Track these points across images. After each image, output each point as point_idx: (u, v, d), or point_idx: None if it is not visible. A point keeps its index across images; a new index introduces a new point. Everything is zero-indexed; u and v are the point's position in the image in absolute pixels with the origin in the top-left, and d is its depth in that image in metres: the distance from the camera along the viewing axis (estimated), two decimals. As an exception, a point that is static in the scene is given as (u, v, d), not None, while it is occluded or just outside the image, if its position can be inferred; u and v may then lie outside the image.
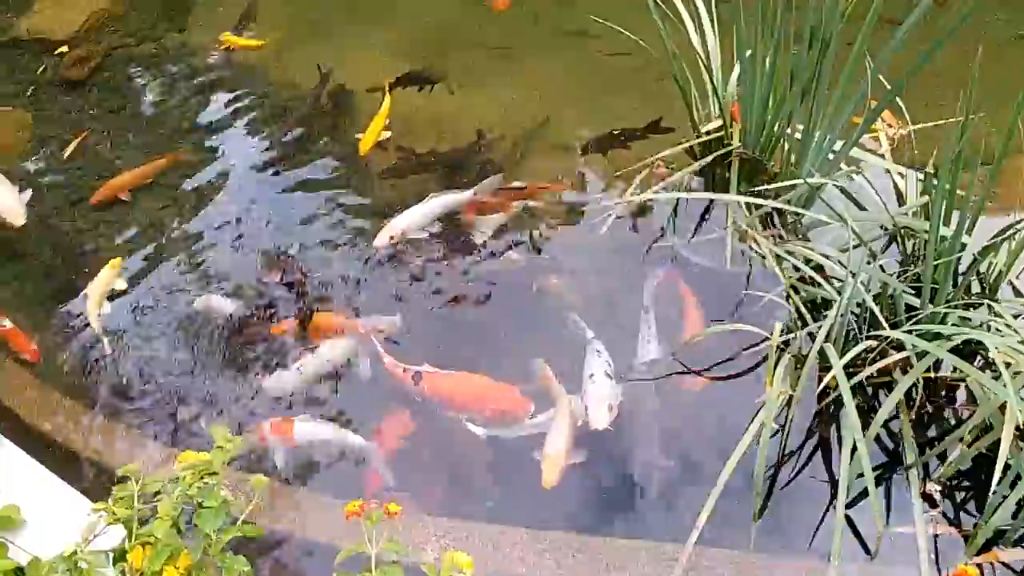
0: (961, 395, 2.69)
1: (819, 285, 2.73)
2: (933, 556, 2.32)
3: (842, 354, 2.45)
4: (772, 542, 2.46)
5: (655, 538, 2.51)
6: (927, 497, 2.45)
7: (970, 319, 2.52)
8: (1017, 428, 2.20)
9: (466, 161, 3.86)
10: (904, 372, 2.51)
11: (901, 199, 3.00)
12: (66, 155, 4.26)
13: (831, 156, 3.06)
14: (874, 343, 2.54)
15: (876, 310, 2.50)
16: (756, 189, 3.04)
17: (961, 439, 2.44)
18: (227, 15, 5.14)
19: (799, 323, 2.78)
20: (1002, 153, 2.38)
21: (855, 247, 2.63)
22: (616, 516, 2.61)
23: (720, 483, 2.40)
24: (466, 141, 3.97)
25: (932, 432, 2.63)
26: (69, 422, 2.92)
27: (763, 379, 2.78)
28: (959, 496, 2.48)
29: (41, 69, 4.84)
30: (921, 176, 2.79)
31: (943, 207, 2.46)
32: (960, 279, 2.60)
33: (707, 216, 3.45)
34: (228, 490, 1.92)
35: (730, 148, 3.33)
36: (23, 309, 3.49)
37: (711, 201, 3.46)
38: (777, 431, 2.65)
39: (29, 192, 3.88)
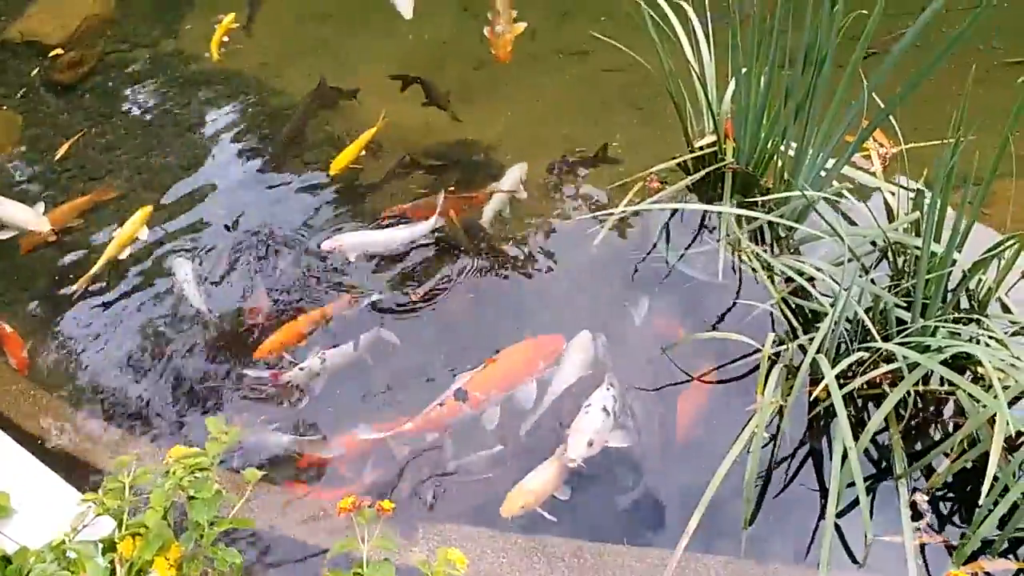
0: (949, 409, 2.72)
1: (811, 298, 2.76)
2: (921, 565, 2.33)
3: (834, 365, 2.47)
4: (762, 550, 2.46)
5: (645, 544, 2.50)
6: (915, 507, 2.47)
7: (960, 334, 2.55)
8: (1005, 440, 2.22)
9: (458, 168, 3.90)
10: (894, 385, 2.54)
11: (891, 216, 3.04)
12: (56, 158, 4.25)
13: (823, 173, 3.10)
14: (865, 355, 2.57)
15: (868, 322, 2.52)
16: (750, 201, 3.07)
17: (948, 452, 2.47)
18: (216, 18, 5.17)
19: (791, 335, 2.80)
20: (992, 172, 2.42)
21: (848, 261, 2.66)
22: (608, 523, 2.60)
23: (710, 490, 2.41)
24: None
25: (920, 444, 2.65)
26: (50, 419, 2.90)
27: (751, 390, 2.81)
28: (947, 507, 2.49)
29: (33, 72, 4.83)
30: (912, 194, 2.83)
31: (934, 223, 2.49)
32: (950, 295, 2.63)
33: (699, 231, 3.48)
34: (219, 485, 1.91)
35: (723, 163, 3.37)
36: (7, 308, 3.48)
37: (704, 217, 3.49)
38: (768, 441, 2.66)
39: (41, 204, 3.85)
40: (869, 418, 2.63)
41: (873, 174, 3.22)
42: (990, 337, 2.49)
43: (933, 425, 2.70)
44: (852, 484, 2.32)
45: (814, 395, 2.50)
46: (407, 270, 3.45)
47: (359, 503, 1.94)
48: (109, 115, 4.54)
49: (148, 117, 4.53)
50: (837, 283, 2.63)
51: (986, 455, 2.19)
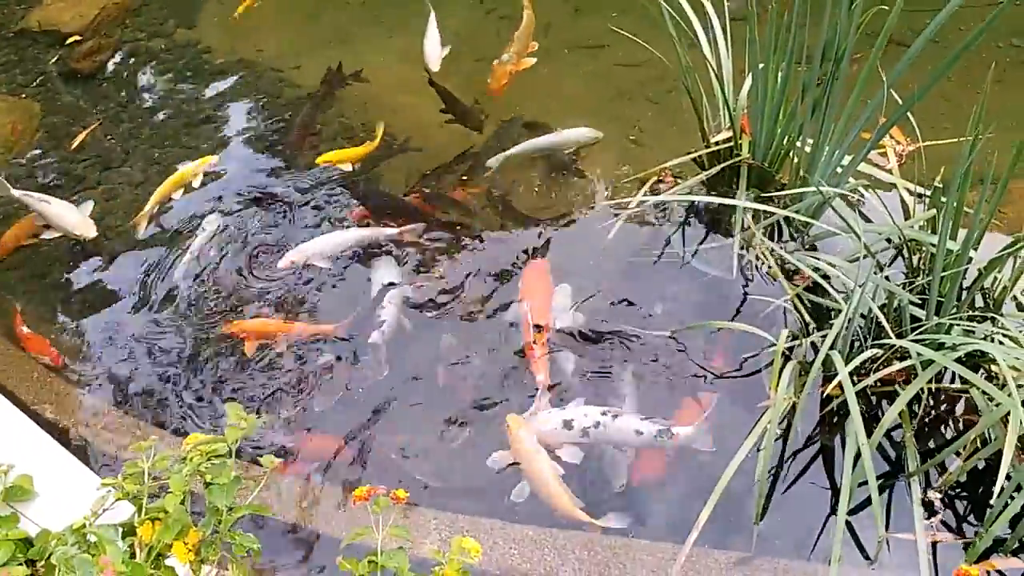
0: (962, 407, 2.71)
1: (825, 295, 2.76)
2: (932, 563, 2.33)
3: (847, 362, 2.47)
4: (773, 546, 2.47)
5: (657, 538, 2.51)
6: (927, 505, 2.47)
7: (974, 332, 2.54)
8: (1018, 439, 2.22)
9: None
10: (907, 383, 2.54)
11: (907, 214, 3.03)
12: (73, 146, 4.28)
13: (839, 170, 3.09)
14: (879, 352, 2.57)
15: (882, 319, 2.52)
16: (767, 196, 3.07)
17: (960, 451, 2.46)
18: (234, 11, 5.19)
19: (804, 331, 2.80)
20: (1010, 171, 2.42)
21: (863, 258, 2.66)
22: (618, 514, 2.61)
23: (721, 484, 2.42)
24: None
25: (934, 442, 2.65)
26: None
27: (763, 386, 2.82)
28: (959, 504, 2.49)
29: (52, 61, 4.86)
30: (929, 191, 2.82)
31: (951, 221, 2.49)
32: (965, 293, 2.63)
33: (713, 226, 3.48)
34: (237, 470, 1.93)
35: (739, 159, 3.37)
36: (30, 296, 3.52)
37: (717, 212, 3.49)
38: (780, 437, 2.67)
39: (90, 204, 3.80)
40: (882, 415, 2.63)
41: (889, 171, 3.21)
42: (1005, 335, 2.49)
43: (946, 423, 2.69)
44: (865, 483, 2.32)
45: (827, 392, 2.50)
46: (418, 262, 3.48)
47: (374, 491, 1.95)
48: (126, 104, 4.57)
49: (164, 106, 4.56)
50: (852, 280, 2.63)
51: (999, 453, 2.20)
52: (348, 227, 3.61)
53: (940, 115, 3.65)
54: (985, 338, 2.51)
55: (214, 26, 5.11)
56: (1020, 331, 2.48)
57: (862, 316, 2.65)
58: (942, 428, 2.69)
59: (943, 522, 2.44)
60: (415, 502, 2.63)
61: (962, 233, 2.55)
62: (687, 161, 3.57)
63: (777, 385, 2.59)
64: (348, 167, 3.89)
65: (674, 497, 2.64)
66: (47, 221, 3.65)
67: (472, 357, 3.09)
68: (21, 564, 1.72)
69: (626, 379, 2.95)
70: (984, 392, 2.39)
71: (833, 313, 2.83)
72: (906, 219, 3.00)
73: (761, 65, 3.16)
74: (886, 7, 2.69)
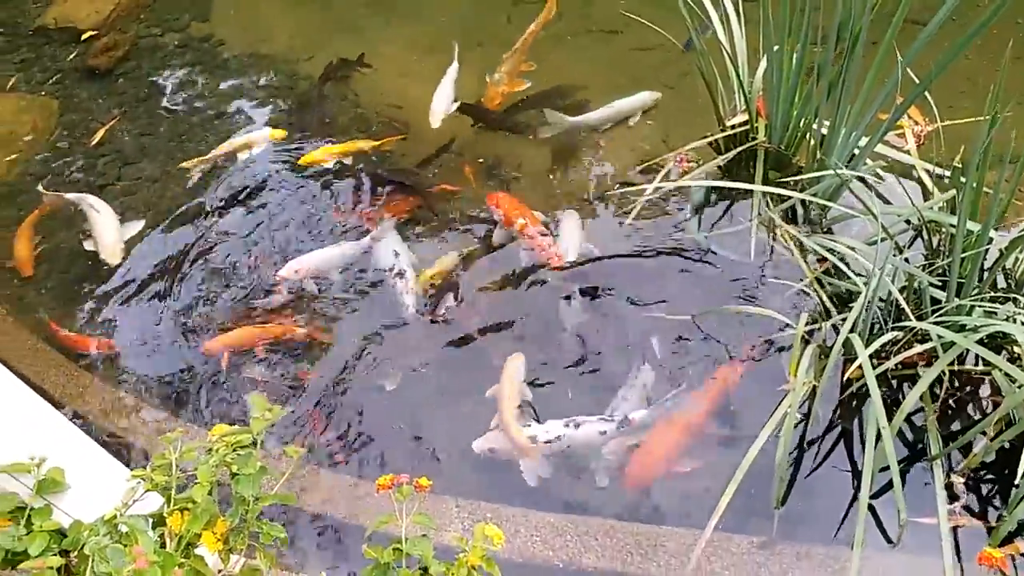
0: (985, 391, 2.70)
1: (844, 277, 2.75)
2: (955, 547, 2.32)
3: (867, 345, 2.46)
4: (794, 530, 2.48)
5: (678, 523, 2.52)
6: (950, 488, 2.46)
7: (996, 313, 2.53)
8: (1042, 420, 2.22)
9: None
10: (929, 365, 2.54)
11: (927, 195, 3.01)
12: (93, 143, 4.31)
13: (856, 151, 3.07)
14: (900, 334, 2.56)
15: (902, 301, 2.51)
16: (783, 181, 3.05)
17: (985, 432, 2.46)
18: (249, 6, 5.21)
19: (824, 314, 2.80)
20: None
21: (882, 240, 2.65)
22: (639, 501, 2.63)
23: (743, 468, 2.43)
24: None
25: (956, 425, 2.64)
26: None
27: (778, 369, 2.82)
28: (982, 488, 2.49)
29: (70, 57, 4.90)
30: (947, 172, 2.80)
31: (970, 201, 2.47)
32: (986, 274, 2.61)
33: (730, 210, 3.47)
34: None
35: (755, 142, 3.36)
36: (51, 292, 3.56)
37: (734, 196, 3.48)
38: (800, 421, 2.67)
39: (140, 223, 3.80)
40: (903, 399, 2.63)
41: (907, 152, 3.18)
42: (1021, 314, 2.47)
43: (969, 405, 2.68)
44: (887, 467, 2.32)
45: (847, 375, 2.50)
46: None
47: (397, 480, 1.98)
48: (143, 100, 4.60)
49: (180, 101, 4.59)
50: (871, 263, 2.62)
51: (1022, 436, 2.19)
52: (354, 230, 3.61)
53: (960, 94, 3.61)
54: (1007, 319, 2.49)
55: (228, 20, 5.13)
56: (1043, 311, 2.46)
57: (881, 299, 2.64)
58: (965, 410, 2.68)
59: (966, 506, 2.43)
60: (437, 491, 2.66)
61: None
62: (703, 145, 3.57)
63: (797, 369, 2.59)
64: (330, 164, 3.90)
65: (695, 482, 2.65)
66: (89, 227, 3.71)
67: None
68: (55, 554, 1.75)
69: (643, 363, 2.96)
70: (1007, 374, 2.38)
71: (853, 296, 2.82)
72: (925, 200, 2.98)
73: (776, 47, 3.14)
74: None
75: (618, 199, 3.59)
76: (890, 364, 2.49)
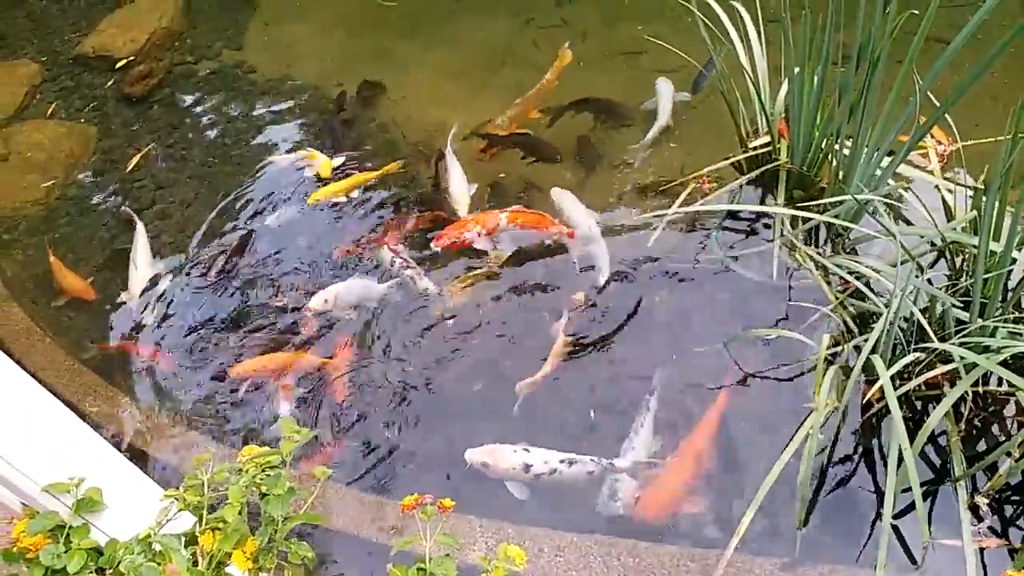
0: (1010, 410, 2.69)
1: (866, 299, 2.76)
2: (981, 568, 2.31)
3: (889, 366, 2.47)
4: (817, 551, 2.48)
5: (700, 544, 2.54)
6: (974, 510, 2.45)
7: (1021, 334, 2.52)
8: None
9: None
10: (952, 385, 2.53)
11: (950, 215, 3.01)
12: (128, 168, 4.44)
13: (879, 172, 3.08)
14: (922, 355, 2.56)
15: (924, 322, 2.51)
16: (805, 205, 3.07)
17: (1009, 453, 2.44)
18: (281, 33, 5.34)
19: (846, 335, 2.81)
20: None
21: (903, 262, 2.66)
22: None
23: (764, 489, 2.44)
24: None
25: (980, 445, 2.63)
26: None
27: (802, 391, 2.83)
28: (1007, 509, 2.47)
29: (108, 84, 5.05)
30: (970, 192, 2.80)
31: (992, 221, 2.47)
32: (1010, 294, 2.61)
33: (752, 231, 3.49)
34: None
35: (777, 163, 3.38)
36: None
37: (756, 216, 3.50)
38: (824, 447, 2.68)
39: (167, 265, 3.84)
40: (926, 419, 2.62)
41: (931, 172, 3.18)
42: (1051, 337, 2.46)
43: (994, 426, 2.67)
44: (910, 488, 2.32)
45: (867, 397, 2.50)
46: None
47: (421, 500, 2.02)
48: (176, 126, 4.73)
49: (213, 127, 4.71)
50: (898, 283, 2.62)
51: (1048, 457, 2.18)
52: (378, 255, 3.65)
53: (984, 113, 3.60)
54: (1029, 339, 2.48)
55: (259, 47, 5.26)
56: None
57: (905, 319, 2.65)
58: (989, 431, 2.66)
59: (990, 527, 2.42)
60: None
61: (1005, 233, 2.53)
62: (726, 166, 3.60)
63: (820, 390, 2.60)
64: (343, 199, 3.94)
65: (718, 502, 2.66)
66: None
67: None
68: (92, 572, 1.81)
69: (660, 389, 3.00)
70: (1031, 394, 2.37)
71: (875, 317, 2.83)
72: (948, 220, 2.98)
73: (797, 68, 3.17)
74: (917, 12, 2.68)
75: (641, 219, 3.62)
76: (912, 385, 2.49)
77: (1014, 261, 2.52)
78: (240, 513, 1.90)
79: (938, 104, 2.80)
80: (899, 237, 2.61)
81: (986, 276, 2.52)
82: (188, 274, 3.75)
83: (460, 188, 3.83)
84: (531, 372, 3.05)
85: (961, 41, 2.64)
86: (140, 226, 3.91)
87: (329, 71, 4.92)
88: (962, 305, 2.63)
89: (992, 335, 2.53)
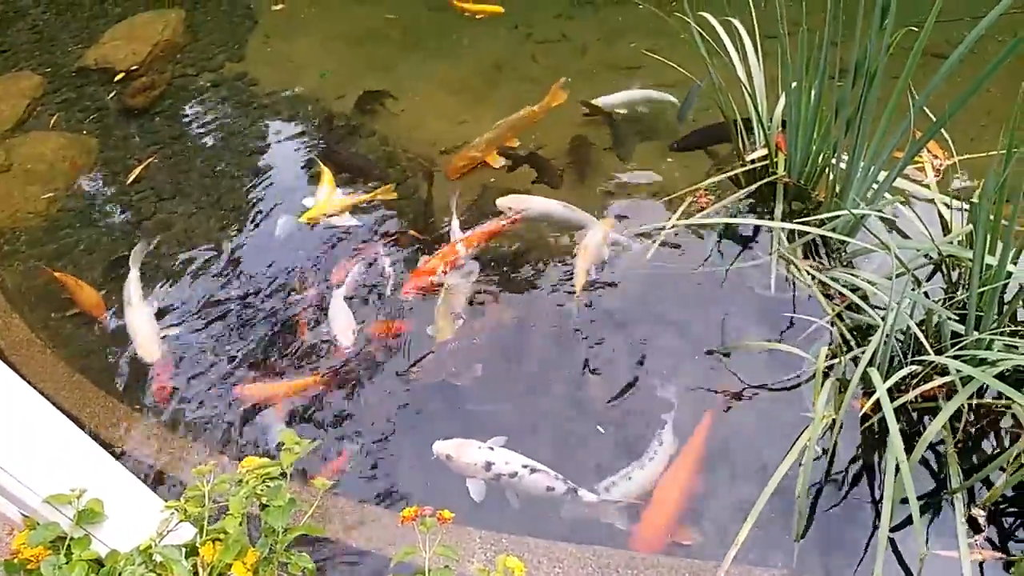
0: (1006, 422, 2.70)
1: (863, 312, 2.78)
2: (978, 581, 2.33)
3: (886, 379, 2.48)
4: (815, 563, 2.49)
5: (698, 556, 2.54)
6: (972, 522, 2.46)
7: (1016, 347, 2.54)
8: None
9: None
10: (948, 397, 2.55)
11: (946, 229, 3.03)
12: (129, 180, 4.46)
13: (875, 185, 3.11)
14: (918, 368, 2.57)
15: (921, 336, 2.53)
16: (802, 220, 3.09)
17: (1003, 468, 2.46)
18: (281, 45, 5.38)
19: (844, 348, 2.82)
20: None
21: (899, 275, 2.68)
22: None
23: (761, 501, 2.45)
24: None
25: (976, 457, 2.64)
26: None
27: (798, 403, 2.84)
28: (1005, 521, 2.48)
29: (110, 96, 5.08)
30: (966, 206, 2.83)
31: (988, 235, 2.49)
32: (1006, 307, 2.63)
33: (750, 244, 3.51)
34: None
35: (775, 176, 3.40)
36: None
37: (754, 230, 3.53)
38: (820, 456, 2.69)
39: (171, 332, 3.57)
40: (923, 431, 2.63)
41: (927, 186, 3.21)
42: (1047, 350, 2.48)
43: (989, 438, 2.68)
44: (907, 499, 2.33)
45: (864, 409, 2.51)
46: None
47: (421, 512, 2.03)
48: (178, 137, 4.76)
49: (214, 139, 4.74)
50: (894, 296, 2.64)
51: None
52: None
53: (980, 127, 3.64)
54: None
55: (261, 59, 5.30)
56: (1063, 345, 2.46)
57: (901, 332, 2.67)
58: (985, 443, 2.68)
59: (987, 539, 2.43)
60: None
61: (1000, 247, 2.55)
62: (723, 179, 3.62)
63: (817, 402, 2.61)
64: (348, 220, 3.94)
65: (716, 515, 2.67)
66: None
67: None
68: (93, 583, 1.82)
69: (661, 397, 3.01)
70: (1025, 407, 2.39)
71: (872, 330, 2.85)
72: (945, 234, 3.00)
73: (794, 83, 3.20)
74: (915, 28, 2.71)
75: (639, 233, 3.64)
76: (908, 397, 2.50)
77: (1009, 275, 2.54)
78: (241, 524, 1.91)
79: (934, 119, 2.83)
80: (895, 250, 2.63)
81: (981, 289, 2.54)
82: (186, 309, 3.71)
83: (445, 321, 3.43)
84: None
85: (958, 57, 2.67)
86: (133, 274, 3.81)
87: (331, 84, 4.96)
88: (958, 318, 2.65)
89: (988, 348, 2.55)
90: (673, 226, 3.42)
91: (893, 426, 2.35)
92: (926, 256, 2.93)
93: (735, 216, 3.52)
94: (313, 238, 3.91)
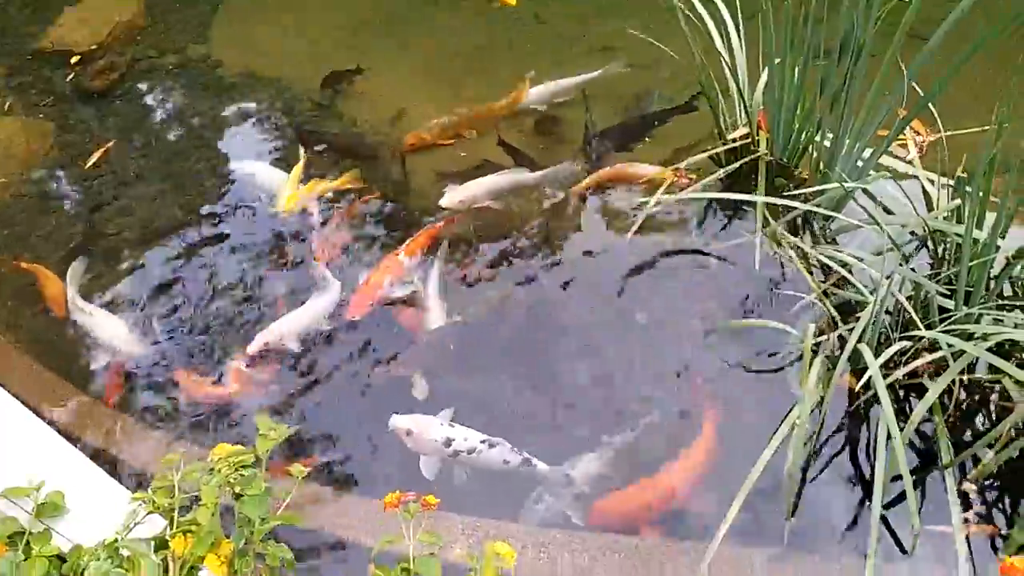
0: (995, 399, 2.67)
1: (851, 288, 2.73)
2: (969, 555, 2.29)
3: (876, 355, 2.44)
4: (806, 542, 2.44)
5: (688, 537, 2.49)
6: (963, 497, 2.43)
7: (1003, 320, 2.51)
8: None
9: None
10: (935, 374, 2.52)
11: (930, 205, 2.99)
12: (88, 164, 4.29)
13: (860, 163, 3.07)
14: (908, 344, 2.53)
15: (911, 311, 2.49)
16: (790, 194, 3.04)
17: (992, 444, 2.42)
18: (247, 26, 5.22)
19: (831, 325, 2.78)
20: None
21: (888, 251, 2.63)
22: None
23: (750, 480, 2.40)
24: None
25: (967, 433, 2.61)
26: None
27: (785, 381, 2.80)
28: (996, 495, 2.45)
29: (67, 79, 4.89)
30: (952, 182, 2.79)
31: (977, 210, 2.45)
32: (994, 282, 2.60)
33: (733, 222, 3.46)
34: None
35: (757, 155, 3.35)
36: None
37: (736, 208, 3.47)
38: (812, 435, 2.65)
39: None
40: (910, 408, 2.61)
41: (910, 163, 3.18)
42: (1037, 323, 2.45)
43: (979, 413, 2.65)
44: (898, 477, 2.29)
45: (859, 385, 2.46)
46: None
47: (404, 498, 1.95)
48: (139, 121, 4.59)
49: (177, 123, 4.58)
50: (878, 272, 2.60)
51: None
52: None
53: (962, 104, 3.60)
54: (1016, 326, 2.47)
55: (225, 41, 5.13)
56: (1052, 319, 2.43)
57: (888, 310, 2.62)
58: (974, 419, 2.65)
59: (978, 514, 2.40)
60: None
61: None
62: (705, 159, 3.56)
63: (806, 380, 2.56)
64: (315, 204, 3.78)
65: (705, 495, 2.61)
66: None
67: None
68: (55, 580, 1.71)
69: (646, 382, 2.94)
70: (1016, 381, 2.36)
71: (858, 306, 2.81)
72: (929, 210, 2.97)
73: (778, 60, 3.14)
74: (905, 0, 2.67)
75: (620, 213, 3.57)
76: (900, 373, 2.46)
77: (998, 249, 2.51)
78: (214, 515, 1.81)
79: (923, 94, 2.79)
80: (885, 225, 2.59)
81: (971, 263, 2.50)
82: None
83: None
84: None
85: (942, 35, 2.63)
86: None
87: (299, 67, 4.81)
88: (946, 293, 2.61)
89: (977, 322, 2.51)
90: (656, 202, 3.35)
91: (886, 402, 2.31)
92: (911, 233, 2.89)
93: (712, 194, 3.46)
94: (279, 224, 3.78)
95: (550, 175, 3.69)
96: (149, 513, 1.84)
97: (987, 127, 2.47)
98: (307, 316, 3.25)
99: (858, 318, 2.64)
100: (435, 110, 4.26)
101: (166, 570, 1.72)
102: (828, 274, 2.93)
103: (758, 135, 3.40)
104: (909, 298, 2.61)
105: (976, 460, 2.50)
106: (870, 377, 2.38)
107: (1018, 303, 2.57)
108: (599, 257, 3.41)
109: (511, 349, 3.15)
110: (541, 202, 3.69)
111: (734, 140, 3.46)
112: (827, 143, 3.10)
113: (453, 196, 3.62)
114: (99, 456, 2.56)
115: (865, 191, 3.00)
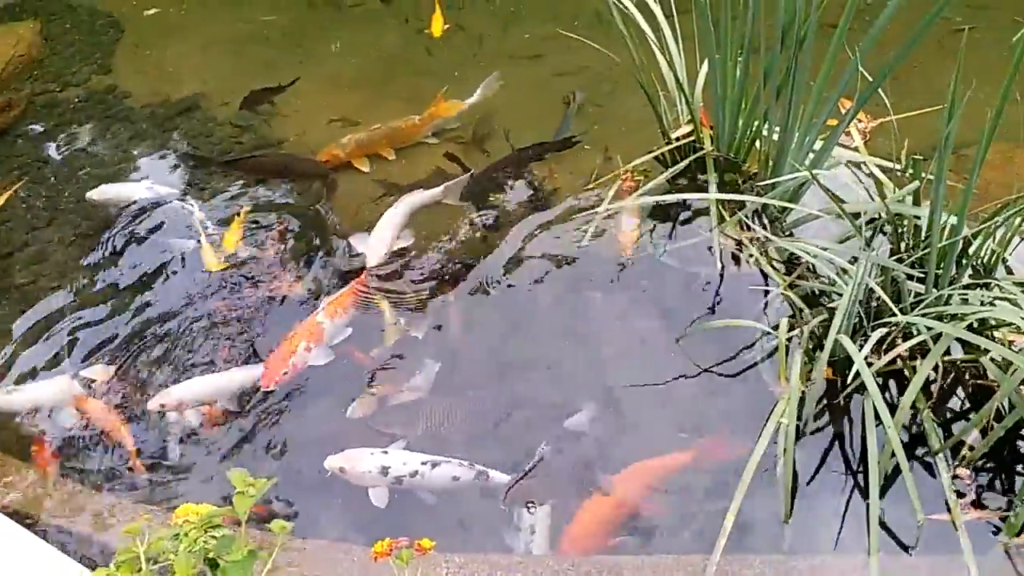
0: (970, 381, 2.67)
1: (817, 279, 2.71)
2: (969, 541, 2.26)
3: (855, 344, 2.41)
4: (806, 543, 2.38)
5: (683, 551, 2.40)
6: (956, 482, 2.41)
7: (968, 300, 2.51)
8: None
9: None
10: (911, 361, 2.51)
11: (881, 191, 3.00)
12: (-5, 209, 3.96)
13: (811, 154, 3.06)
14: (883, 331, 2.51)
15: (886, 297, 2.47)
16: (744, 187, 3.01)
17: (980, 423, 2.42)
18: (153, 51, 4.95)
19: (798, 318, 2.74)
20: (989, 136, 2.40)
21: (850, 238, 2.62)
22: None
23: (743, 485, 2.33)
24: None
25: (951, 417, 2.60)
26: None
27: (754, 380, 2.76)
28: (989, 479, 2.44)
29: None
30: (903, 165, 2.81)
31: (942, 191, 2.45)
32: (964, 262, 2.60)
33: (685, 223, 3.41)
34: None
35: (703, 152, 3.31)
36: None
37: (686, 207, 3.42)
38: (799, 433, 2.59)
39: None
40: (890, 396, 2.59)
41: (856, 150, 3.19)
42: (1003, 299, 2.46)
43: (953, 395, 2.64)
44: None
45: (851, 376, 2.41)
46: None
47: (396, 544, 1.81)
48: (46, 160, 4.28)
49: (88, 158, 4.29)
50: (844, 261, 2.58)
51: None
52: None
53: (908, 87, 3.63)
54: (983, 304, 2.47)
55: (131, 69, 4.85)
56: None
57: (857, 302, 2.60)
58: (950, 400, 2.64)
59: (972, 502, 2.37)
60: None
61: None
62: (649, 160, 3.51)
63: (786, 376, 2.52)
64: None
65: (694, 506, 2.53)
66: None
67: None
68: None
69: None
70: (994, 360, 2.36)
71: (824, 297, 2.79)
72: (881, 196, 2.97)
73: (717, 55, 3.11)
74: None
75: (569, 224, 3.48)
76: (884, 361, 2.43)
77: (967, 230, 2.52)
78: (190, 586, 1.62)
79: (872, 79, 2.79)
80: (847, 212, 2.57)
81: (941, 244, 2.50)
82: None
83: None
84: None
85: (891, 13, 2.64)
86: None
87: (213, 90, 4.58)
88: (918, 277, 2.61)
89: (947, 304, 2.51)
90: (606, 210, 3.27)
91: (875, 392, 2.28)
92: (870, 219, 2.89)
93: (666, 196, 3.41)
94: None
95: (452, 188, 3.56)
96: (114, 592, 1.63)
97: (933, 108, 2.47)
98: (212, 386, 2.95)
99: (828, 309, 2.62)
100: (353, 124, 4.13)
101: (141, 657, 1.52)
102: (790, 267, 2.90)
103: (702, 132, 3.36)
104: (879, 284, 2.60)
105: (961, 444, 2.47)
106: (851, 368, 2.34)
107: (983, 281, 2.58)
108: (544, 270, 3.30)
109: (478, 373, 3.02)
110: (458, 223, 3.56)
111: (678, 139, 3.42)
112: (775, 136, 3.08)
113: (376, 251, 3.28)
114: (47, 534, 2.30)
115: (817, 181, 2.98)
